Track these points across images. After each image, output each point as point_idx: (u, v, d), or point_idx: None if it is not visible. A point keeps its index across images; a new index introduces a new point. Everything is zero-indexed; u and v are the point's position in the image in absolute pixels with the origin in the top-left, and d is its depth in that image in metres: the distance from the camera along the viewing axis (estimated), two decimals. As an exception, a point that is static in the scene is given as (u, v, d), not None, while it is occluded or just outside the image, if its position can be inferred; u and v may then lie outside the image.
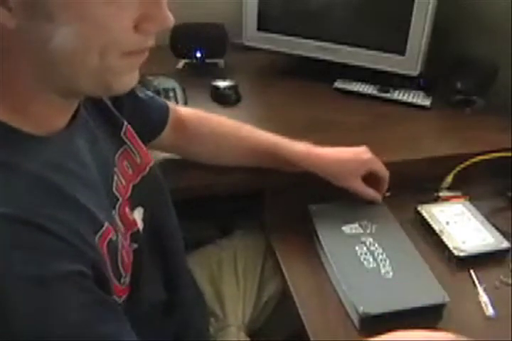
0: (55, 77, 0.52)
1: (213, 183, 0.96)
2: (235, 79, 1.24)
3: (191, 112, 0.95)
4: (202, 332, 0.87)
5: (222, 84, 1.22)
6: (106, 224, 0.56)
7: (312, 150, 0.92)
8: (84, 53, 0.49)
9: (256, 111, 1.22)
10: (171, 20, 0.51)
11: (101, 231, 0.55)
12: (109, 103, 0.71)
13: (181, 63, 1.36)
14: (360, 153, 0.93)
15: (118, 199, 0.64)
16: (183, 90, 1.20)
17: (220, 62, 1.37)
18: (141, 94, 0.85)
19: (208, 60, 1.35)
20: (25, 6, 0.46)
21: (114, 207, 0.63)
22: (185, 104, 1.16)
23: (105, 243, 0.55)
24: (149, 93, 0.89)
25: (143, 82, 1.20)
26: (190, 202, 0.96)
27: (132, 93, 0.82)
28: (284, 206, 0.93)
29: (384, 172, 0.93)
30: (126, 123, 0.72)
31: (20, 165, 0.49)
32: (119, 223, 0.63)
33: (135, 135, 0.73)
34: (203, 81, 1.25)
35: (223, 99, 1.21)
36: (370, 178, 0.93)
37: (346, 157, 0.92)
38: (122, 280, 0.59)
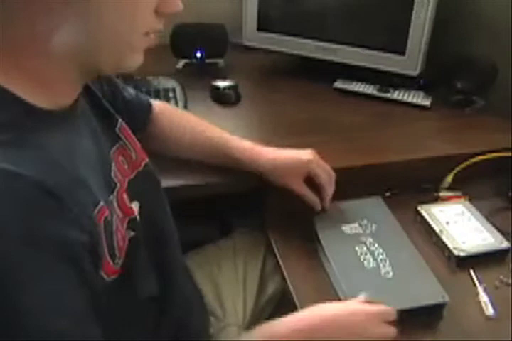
0: (78, 52, 0.54)
1: (213, 183, 0.96)
2: (235, 79, 1.24)
3: (160, 106, 0.96)
4: (202, 332, 0.87)
5: (222, 84, 1.22)
6: (101, 202, 0.57)
7: (255, 147, 0.92)
8: (123, 31, 0.55)
9: (256, 111, 1.22)
10: (181, 5, 0.58)
11: (98, 207, 0.56)
12: (104, 100, 0.72)
13: (181, 63, 1.36)
14: (302, 154, 0.91)
15: (116, 185, 0.65)
16: (183, 90, 1.20)
17: (220, 62, 1.37)
18: (126, 95, 0.87)
19: (208, 60, 1.35)
20: None
21: (113, 192, 0.64)
22: (185, 103, 1.16)
23: (102, 219, 0.56)
24: (132, 91, 0.90)
25: (143, 82, 1.20)
26: (190, 202, 0.96)
27: (119, 94, 0.84)
28: (284, 206, 0.93)
29: (325, 178, 0.90)
30: (120, 119, 0.73)
31: (29, 139, 0.51)
32: (117, 209, 0.64)
33: (130, 131, 0.74)
34: (203, 81, 1.25)
35: (223, 99, 1.21)
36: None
37: (285, 156, 0.91)
38: (116, 261, 0.59)
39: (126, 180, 0.70)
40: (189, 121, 0.97)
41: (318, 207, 0.91)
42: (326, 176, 0.90)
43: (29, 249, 0.46)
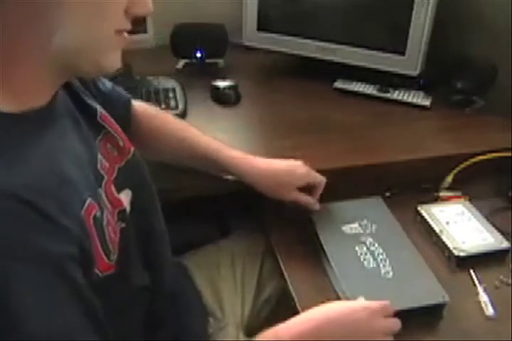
0: (58, 56, 0.54)
1: (212, 183, 0.96)
2: (235, 79, 1.24)
3: (141, 107, 0.93)
4: (200, 332, 0.87)
5: (222, 84, 1.22)
6: (89, 199, 0.57)
7: (246, 158, 0.90)
8: (94, 31, 0.55)
9: (256, 111, 1.22)
10: (151, 7, 0.59)
11: (85, 206, 0.56)
12: (81, 91, 0.71)
13: (181, 63, 1.36)
14: (295, 167, 0.90)
15: (103, 177, 0.65)
16: (183, 90, 1.20)
17: (220, 62, 1.37)
18: (100, 85, 0.84)
19: (208, 60, 1.35)
20: None
21: (101, 185, 0.64)
22: (185, 103, 1.16)
23: (91, 218, 0.56)
24: (109, 84, 0.87)
25: (143, 82, 1.20)
26: (190, 202, 0.96)
27: (97, 87, 0.83)
28: (284, 206, 0.93)
29: (319, 182, 0.90)
30: (99, 108, 0.73)
31: (10, 147, 0.51)
32: (106, 201, 0.64)
33: (111, 119, 0.74)
34: (203, 81, 1.25)
35: (223, 99, 1.21)
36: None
37: (279, 170, 0.89)
38: (112, 257, 0.60)
39: (116, 167, 0.70)
40: (172, 123, 0.94)
41: (317, 206, 0.91)
42: (319, 181, 0.90)
43: (11, 262, 0.45)
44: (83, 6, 0.52)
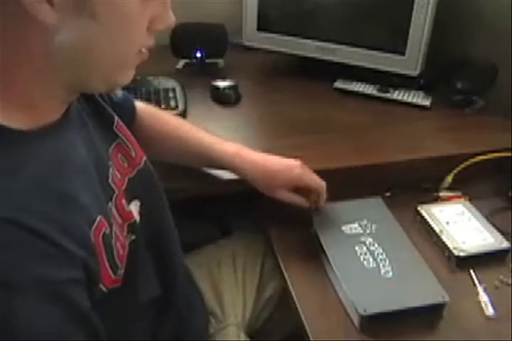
0: (68, 72, 0.53)
1: (212, 183, 0.96)
2: (235, 79, 1.24)
3: (143, 108, 0.92)
4: (201, 332, 0.87)
5: (222, 84, 1.22)
6: (99, 217, 0.56)
7: (241, 152, 0.88)
8: (118, 52, 0.54)
9: (256, 111, 1.22)
10: (174, 19, 0.56)
11: (94, 225, 0.55)
12: (99, 98, 0.71)
13: (181, 63, 1.36)
14: (292, 167, 0.87)
15: (114, 192, 0.64)
16: (183, 90, 1.20)
17: (220, 62, 1.37)
18: (114, 97, 0.83)
19: (208, 60, 1.35)
20: (68, 3, 0.48)
21: (111, 199, 0.63)
22: (185, 103, 1.16)
23: (100, 236, 0.55)
24: (120, 93, 0.86)
25: (143, 82, 1.20)
26: (190, 202, 0.96)
27: (110, 97, 0.81)
28: (284, 206, 0.93)
29: (317, 185, 0.88)
30: (116, 117, 0.72)
31: (12, 166, 0.49)
32: (116, 215, 0.63)
33: (126, 128, 0.73)
34: (203, 81, 1.25)
35: (223, 99, 1.21)
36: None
37: (275, 168, 0.87)
38: (118, 273, 0.59)
39: (126, 178, 0.69)
40: (170, 124, 0.93)
41: (306, 204, 0.89)
42: (317, 184, 0.88)
43: (10, 290, 0.45)
44: (105, 29, 0.51)
